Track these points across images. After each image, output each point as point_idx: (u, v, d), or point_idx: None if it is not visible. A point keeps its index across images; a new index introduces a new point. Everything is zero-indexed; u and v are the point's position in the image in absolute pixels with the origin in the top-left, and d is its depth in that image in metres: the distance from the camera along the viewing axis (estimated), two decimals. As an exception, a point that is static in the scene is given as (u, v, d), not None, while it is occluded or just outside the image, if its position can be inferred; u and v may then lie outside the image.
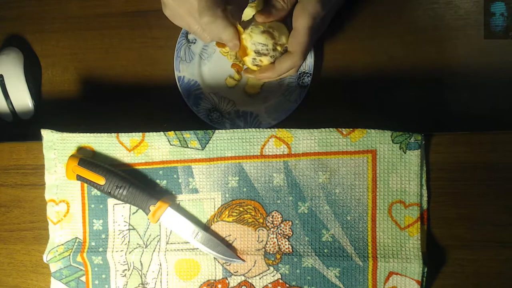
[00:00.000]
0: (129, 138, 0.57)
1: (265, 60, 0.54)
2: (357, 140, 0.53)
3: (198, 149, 0.56)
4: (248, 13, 0.54)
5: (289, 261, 0.54)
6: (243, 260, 0.55)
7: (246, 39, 0.53)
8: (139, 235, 0.57)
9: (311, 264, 0.54)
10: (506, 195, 0.52)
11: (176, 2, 0.51)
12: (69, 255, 0.57)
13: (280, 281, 0.55)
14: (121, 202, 0.56)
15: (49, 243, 0.58)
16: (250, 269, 0.55)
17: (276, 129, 0.54)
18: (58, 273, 0.57)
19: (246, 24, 0.54)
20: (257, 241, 0.55)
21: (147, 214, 0.55)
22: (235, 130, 0.55)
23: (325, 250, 0.54)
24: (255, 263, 0.55)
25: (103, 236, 0.57)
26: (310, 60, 0.61)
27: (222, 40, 0.53)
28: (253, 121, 0.62)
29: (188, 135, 0.56)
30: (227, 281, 0.56)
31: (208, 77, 0.64)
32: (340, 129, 0.53)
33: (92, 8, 0.67)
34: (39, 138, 0.58)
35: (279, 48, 0.53)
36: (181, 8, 0.51)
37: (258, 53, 0.53)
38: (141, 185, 0.55)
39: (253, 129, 0.55)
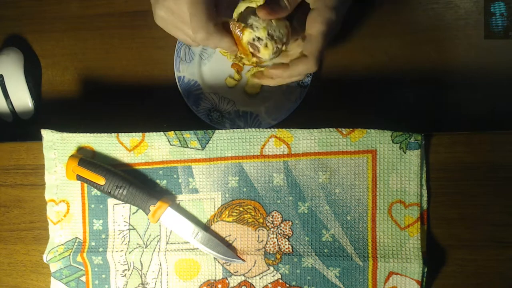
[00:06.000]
0: (129, 138, 0.57)
1: (266, 49, 0.50)
2: (357, 140, 0.53)
3: (198, 149, 0.56)
4: (240, 8, 0.51)
5: (289, 261, 0.54)
6: (243, 260, 0.55)
7: (257, 26, 0.50)
8: (139, 235, 0.57)
9: (311, 264, 0.54)
10: (506, 195, 0.52)
11: (168, 14, 0.50)
12: (69, 255, 0.57)
13: (280, 281, 0.55)
14: (121, 202, 0.56)
15: (49, 243, 0.57)
16: (250, 269, 0.55)
17: (276, 129, 0.54)
18: (58, 273, 0.57)
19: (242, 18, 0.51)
20: (257, 241, 0.55)
21: (147, 214, 0.55)
22: (235, 130, 0.55)
23: (325, 250, 0.54)
24: (255, 263, 0.55)
25: (103, 236, 0.57)
26: (310, 60, 0.61)
27: (221, 48, 0.52)
28: (253, 121, 0.62)
29: (188, 135, 0.56)
30: (227, 281, 0.56)
31: (208, 77, 0.64)
32: (340, 129, 0.53)
33: (92, 8, 0.67)
34: (39, 138, 0.57)
35: (288, 45, 0.52)
36: (173, 21, 0.51)
37: (271, 36, 0.49)
38: (141, 185, 0.55)
39: (253, 129, 0.55)
